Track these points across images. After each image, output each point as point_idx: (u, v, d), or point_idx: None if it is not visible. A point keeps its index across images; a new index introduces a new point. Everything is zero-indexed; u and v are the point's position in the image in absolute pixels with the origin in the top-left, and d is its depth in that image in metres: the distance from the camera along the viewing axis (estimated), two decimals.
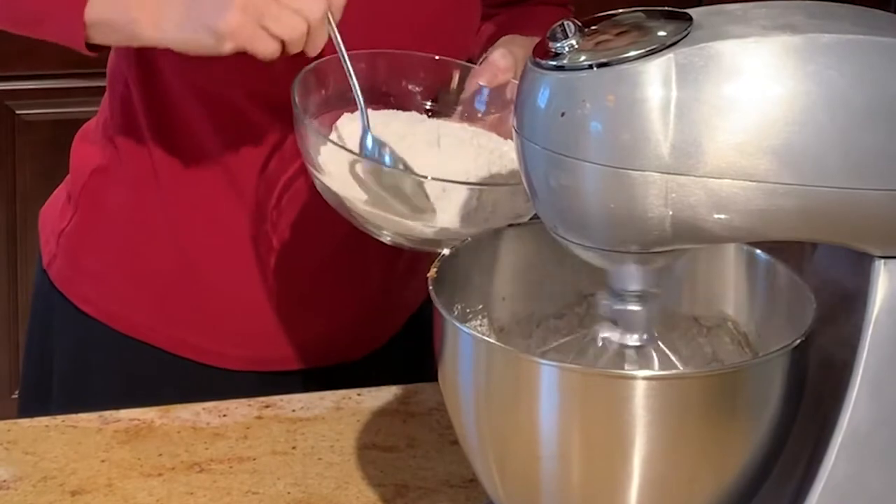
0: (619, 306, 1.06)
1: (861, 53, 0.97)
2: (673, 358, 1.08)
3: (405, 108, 1.34)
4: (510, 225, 1.17)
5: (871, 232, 1.01)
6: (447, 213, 1.21)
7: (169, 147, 1.42)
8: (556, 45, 0.99)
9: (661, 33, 0.97)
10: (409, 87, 1.35)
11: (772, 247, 1.07)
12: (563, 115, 0.97)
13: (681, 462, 1.01)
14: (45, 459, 1.30)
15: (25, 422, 1.35)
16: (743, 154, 0.95)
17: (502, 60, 1.32)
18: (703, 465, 1.02)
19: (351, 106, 1.29)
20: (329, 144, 1.24)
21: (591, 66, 0.97)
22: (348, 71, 1.25)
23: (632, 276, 1.04)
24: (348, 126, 1.29)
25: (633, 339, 1.07)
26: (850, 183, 0.97)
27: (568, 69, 0.97)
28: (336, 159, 1.23)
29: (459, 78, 1.36)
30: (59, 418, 1.35)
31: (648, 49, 0.96)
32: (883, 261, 1.02)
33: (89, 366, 1.48)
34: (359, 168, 1.22)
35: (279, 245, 1.43)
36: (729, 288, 1.15)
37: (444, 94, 1.36)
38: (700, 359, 1.16)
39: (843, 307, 1.06)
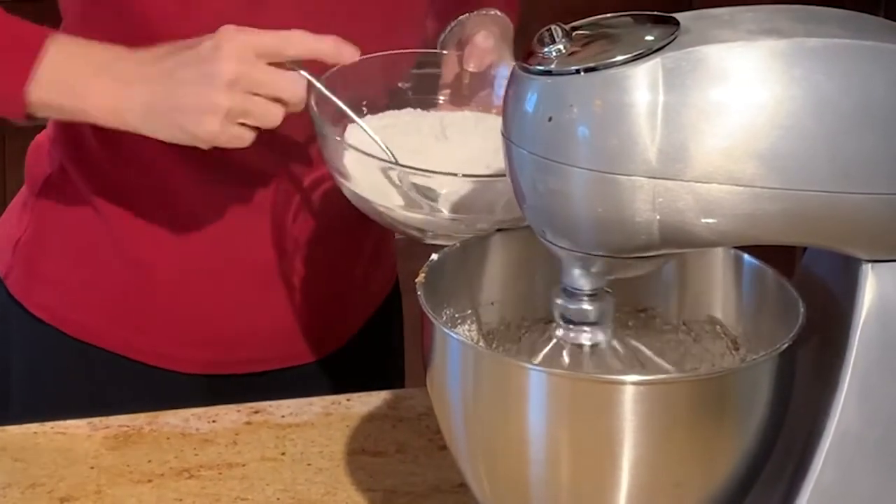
0: (572, 305, 1.05)
1: (848, 57, 0.98)
2: (621, 351, 1.08)
3: (400, 107, 1.34)
4: (498, 230, 1.17)
5: (858, 236, 1.01)
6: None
7: (116, 156, 1.39)
8: (543, 50, 0.99)
9: (649, 38, 0.97)
10: (401, 84, 1.35)
11: (759, 251, 1.07)
12: (550, 119, 0.97)
13: (669, 466, 1.01)
14: (34, 466, 1.29)
15: (14, 428, 1.35)
16: (730, 158, 0.95)
17: (485, 42, 1.32)
18: (692, 470, 1.02)
19: (346, 119, 1.29)
20: (354, 152, 1.23)
21: (578, 71, 0.97)
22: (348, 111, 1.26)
23: (583, 276, 1.04)
24: (357, 135, 1.29)
25: (586, 338, 1.07)
26: (837, 187, 0.97)
27: (555, 74, 0.98)
28: (363, 167, 1.23)
29: (444, 66, 1.36)
30: (48, 425, 1.35)
31: (636, 54, 0.96)
32: (870, 264, 1.03)
33: (47, 373, 1.47)
34: (392, 174, 1.22)
35: (231, 249, 1.43)
36: (716, 292, 1.15)
37: (434, 85, 1.36)
38: (688, 363, 1.16)
39: (830, 311, 1.06)
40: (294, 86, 1.22)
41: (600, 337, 1.07)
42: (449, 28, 1.42)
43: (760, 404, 1.01)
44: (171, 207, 1.41)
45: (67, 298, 1.46)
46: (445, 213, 1.21)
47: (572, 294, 1.05)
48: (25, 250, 1.47)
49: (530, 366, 1.02)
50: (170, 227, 1.42)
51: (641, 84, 0.95)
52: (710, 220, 0.97)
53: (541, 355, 1.08)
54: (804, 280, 1.10)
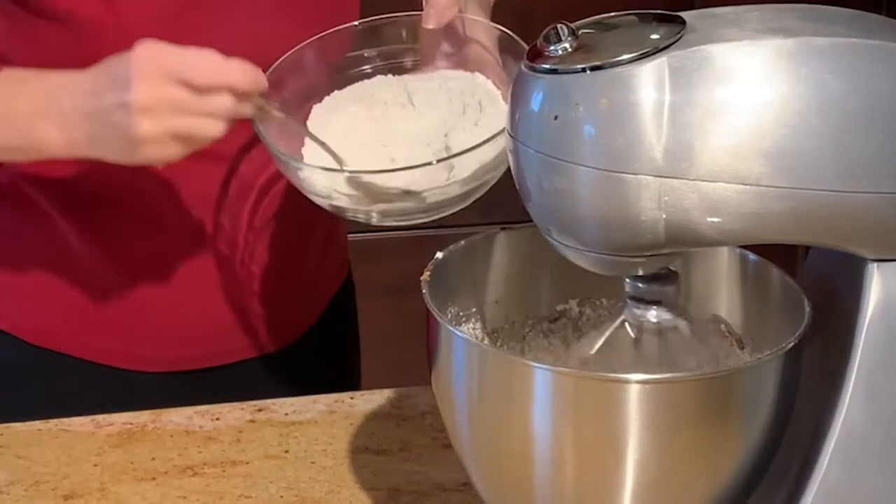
0: (641, 285, 1.06)
1: (854, 56, 0.97)
2: (694, 334, 1.08)
3: (367, 77, 1.34)
4: (502, 228, 1.17)
5: (863, 235, 1.01)
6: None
7: (63, 161, 1.36)
8: (549, 49, 0.99)
9: (654, 36, 0.97)
10: (365, 54, 1.35)
11: (768, 250, 1.07)
12: (556, 118, 0.97)
13: (674, 465, 1.01)
14: (38, 464, 1.29)
15: (18, 426, 1.35)
16: (736, 157, 0.95)
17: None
18: (696, 469, 1.02)
19: (313, 101, 1.30)
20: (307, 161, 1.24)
21: (584, 70, 0.97)
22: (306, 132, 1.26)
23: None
24: (316, 119, 1.29)
25: (653, 317, 1.07)
26: (843, 186, 0.97)
27: (561, 72, 0.97)
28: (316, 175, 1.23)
29: (408, 30, 1.35)
30: (52, 422, 1.35)
31: (641, 52, 0.96)
32: (876, 264, 1.02)
33: (3, 378, 1.47)
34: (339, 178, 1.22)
35: (182, 242, 1.42)
36: (722, 291, 1.15)
37: (399, 50, 1.36)
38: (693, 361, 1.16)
39: (836, 310, 1.06)
40: (218, 101, 1.19)
41: (666, 316, 1.07)
42: None
43: (765, 403, 1.01)
44: (119, 208, 1.40)
45: (21, 304, 1.45)
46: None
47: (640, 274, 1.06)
48: None
49: (535, 364, 1.02)
50: (119, 228, 1.41)
51: (647, 83, 0.95)
52: (716, 219, 0.97)
53: (607, 333, 1.09)
54: (809, 279, 1.10)
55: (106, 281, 1.43)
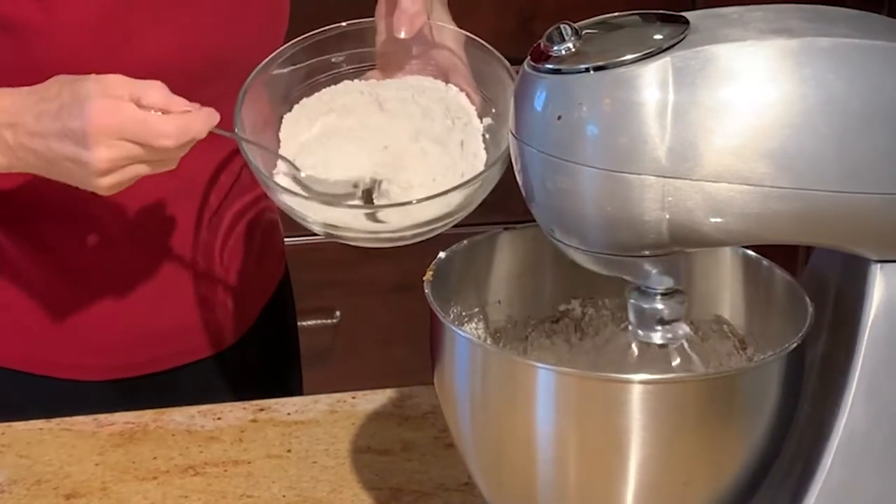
0: (644, 304, 1.05)
1: (857, 57, 0.97)
2: (695, 358, 1.08)
3: (335, 82, 1.33)
4: (505, 228, 1.17)
5: (867, 235, 1.01)
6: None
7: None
8: (552, 49, 0.99)
9: (658, 37, 0.97)
10: (333, 59, 1.34)
11: (768, 250, 1.07)
12: (559, 118, 0.97)
13: (677, 465, 1.01)
14: (40, 463, 1.29)
15: (20, 425, 1.35)
16: (739, 158, 0.95)
17: (413, 6, 1.29)
18: (700, 469, 1.02)
19: (284, 109, 1.30)
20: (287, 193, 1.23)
21: (587, 70, 0.97)
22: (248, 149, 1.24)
23: (658, 274, 1.04)
24: (294, 130, 1.28)
25: (657, 337, 1.07)
26: (847, 187, 0.97)
27: (565, 72, 0.97)
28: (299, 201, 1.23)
29: (377, 35, 1.34)
30: (54, 421, 1.35)
31: (645, 52, 0.96)
32: (879, 264, 1.03)
33: None
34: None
35: (121, 250, 1.42)
36: (725, 291, 1.15)
37: (366, 54, 1.35)
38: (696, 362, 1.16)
39: (839, 310, 1.06)
40: (175, 137, 1.18)
41: (669, 336, 1.06)
42: None
43: (768, 404, 1.01)
44: (58, 218, 1.39)
45: None
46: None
47: (645, 293, 1.05)
48: None
49: (538, 364, 1.02)
50: (58, 238, 1.40)
51: (651, 83, 0.95)
52: (719, 220, 0.97)
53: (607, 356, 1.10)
54: (812, 280, 1.10)
55: (46, 291, 1.42)
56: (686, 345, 1.08)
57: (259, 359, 1.56)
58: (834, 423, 1.03)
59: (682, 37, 0.97)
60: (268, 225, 1.54)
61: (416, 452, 1.32)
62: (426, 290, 1.08)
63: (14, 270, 1.42)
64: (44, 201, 1.38)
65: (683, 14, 1.00)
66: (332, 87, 1.32)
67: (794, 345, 1.01)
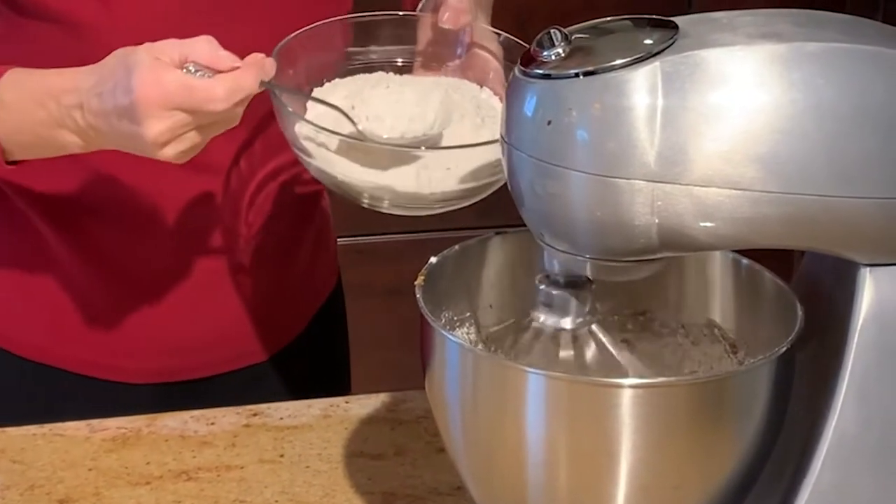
0: (554, 290, 1.06)
1: (847, 61, 0.98)
2: (605, 341, 1.09)
3: (369, 70, 1.33)
4: (496, 233, 1.17)
5: (856, 240, 1.01)
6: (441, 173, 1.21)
7: (55, 170, 1.36)
8: (542, 54, 0.99)
9: (648, 41, 0.97)
10: (373, 47, 1.35)
11: (762, 254, 1.07)
12: (549, 123, 0.97)
13: (667, 469, 1.01)
14: (33, 468, 1.29)
15: (13, 430, 1.35)
16: (729, 162, 0.96)
17: (461, 3, 1.30)
18: (690, 473, 1.02)
19: (313, 84, 1.28)
20: (307, 124, 1.22)
21: (577, 75, 0.97)
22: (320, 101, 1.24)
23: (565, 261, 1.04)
24: (315, 108, 1.27)
25: (566, 323, 1.07)
26: (837, 191, 0.97)
27: (554, 77, 0.98)
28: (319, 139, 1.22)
29: (414, 29, 1.35)
30: (47, 427, 1.35)
31: (635, 57, 0.96)
32: (868, 268, 1.03)
33: None
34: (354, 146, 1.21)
35: (172, 254, 1.42)
36: (715, 295, 1.15)
37: (406, 48, 1.36)
38: (686, 366, 1.16)
39: (829, 314, 1.06)
40: (225, 100, 1.16)
41: (579, 322, 1.07)
42: None
43: (759, 407, 1.01)
44: (109, 222, 1.39)
45: (8, 317, 1.44)
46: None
47: (553, 281, 1.06)
48: None
49: (529, 369, 1.02)
50: (109, 241, 1.41)
51: (640, 88, 0.96)
52: (709, 224, 0.97)
53: (521, 342, 1.10)
54: (802, 283, 1.10)
55: (96, 294, 1.42)
56: (595, 329, 1.09)
57: (308, 365, 1.56)
58: (824, 427, 1.03)
59: (671, 41, 0.97)
60: (319, 231, 1.53)
61: (409, 457, 1.32)
62: (417, 295, 1.08)
63: (65, 272, 1.42)
64: (90, 199, 1.38)
65: (673, 19, 1.00)
66: (366, 74, 1.32)
67: (784, 348, 1.01)
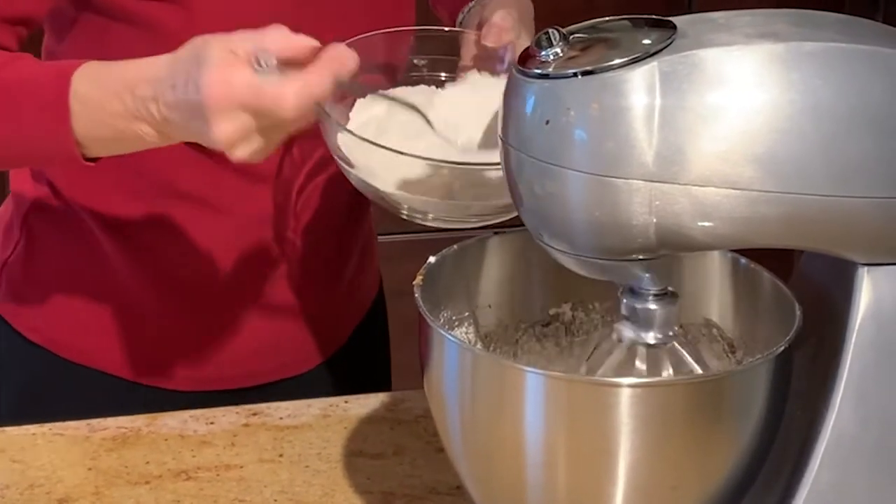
0: (637, 304, 1.06)
1: (845, 61, 0.98)
2: (687, 358, 1.08)
3: (414, 83, 1.33)
4: (495, 232, 1.17)
5: (854, 239, 1.01)
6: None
7: (105, 175, 1.36)
8: (541, 53, 0.99)
9: (646, 41, 0.97)
10: (416, 61, 1.35)
11: (762, 253, 1.07)
12: (547, 122, 0.98)
13: (665, 469, 1.02)
14: (33, 467, 1.30)
15: (13, 429, 1.35)
16: (727, 162, 0.96)
17: (504, 21, 1.31)
18: (688, 472, 1.02)
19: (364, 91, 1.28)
20: (348, 134, 1.21)
21: (575, 75, 0.97)
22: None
23: (650, 276, 1.04)
24: (364, 112, 1.27)
25: (648, 338, 1.07)
26: (834, 191, 0.98)
27: (552, 77, 0.98)
28: (359, 149, 1.21)
29: (460, 45, 1.35)
30: (47, 426, 1.35)
31: (632, 57, 0.96)
32: (866, 268, 1.03)
33: (36, 392, 1.46)
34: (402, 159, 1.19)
35: (223, 264, 1.42)
36: (713, 295, 1.15)
37: (446, 62, 1.36)
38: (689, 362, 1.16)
39: (827, 314, 1.06)
40: (293, 108, 1.12)
41: (660, 336, 1.07)
42: (468, 7, 1.42)
43: (757, 407, 1.02)
44: (163, 232, 1.40)
45: (59, 320, 1.45)
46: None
47: (638, 293, 1.05)
48: (14, 272, 1.46)
49: (527, 368, 1.02)
50: (162, 250, 1.41)
51: (638, 88, 0.96)
52: (707, 224, 0.97)
53: (596, 353, 1.10)
54: (800, 283, 1.10)
55: (148, 302, 1.43)
56: (678, 345, 1.09)
57: (348, 376, 1.55)
58: (822, 426, 1.04)
59: (669, 41, 0.97)
60: (365, 240, 1.53)
61: (408, 456, 1.32)
62: (416, 295, 1.08)
63: (116, 277, 1.42)
64: (147, 209, 1.39)
65: (671, 19, 1.00)
66: (409, 87, 1.31)
67: (782, 348, 1.02)
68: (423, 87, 1.32)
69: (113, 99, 1.19)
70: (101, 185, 1.38)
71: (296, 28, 1.22)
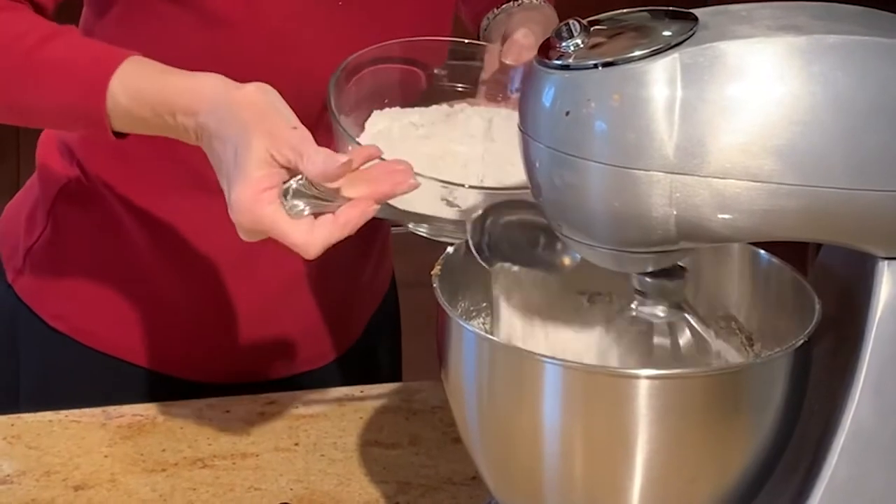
0: (648, 279, 1.06)
1: (866, 54, 0.98)
2: (701, 331, 1.08)
3: (436, 94, 1.32)
4: None
5: (874, 233, 1.01)
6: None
7: (137, 164, 1.38)
8: (561, 44, 0.99)
9: (667, 33, 0.97)
10: (437, 71, 1.35)
11: (778, 246, 1.07)
12: (568, 114, 0.97)
13: (683, 461, 1.01)
14: (49, 454, 1.30)
15: (29, 416, 1.35)
16: (747, 154, 0.96)
17: (525, 40, 1.32)
18: (706, 465, 1.02)
19: (380, 104, 1.28)
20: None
21: (596, 66, 0.97)
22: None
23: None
24: (379, 123, 1.27)
25: (660, 311, 1.07)
26: (854, 184, 0.97)
27: (573, 68, 0.98)
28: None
29: (481, 57, 1.35)
30: (63, 413, 1.35)
31: (653, 49, 0.96)
32: (886, 262, 1.03)
33: (58, 379, 1.46)
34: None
35: (251, 261, 1.41)
36: (733, 288, 1.15)
37: (467, 73, 1.36)
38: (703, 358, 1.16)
39: (846, 307, 1.06)
40: (305, 252, 1.10)
41: (672, 310, 1.07)
42: (494, 14, 1.42)
43: (775, 400, 1.01)
44: (194, 222, 1.40)
45: (83, 308, 1.44)
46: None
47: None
48: (39, 258, 1.46)
49: (545, 358, 1.02)
50: (192, 244, 1.41)
51: (659, 79, 0.96)
52: (727, 216, 0.97)
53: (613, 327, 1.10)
54: (820, 276, 1.10)
55: (171, 292, 1.43)
56: (692, 320, 1.09)
57: (362, 369, 1.55)
58: (840, 420, 1.03)
59: (690, 33, 0.97)
60: (384, 237, 1.54)
61: (424, 446, 1.32)
62: (434, 285, 1.08)
63: (146, 270, 1.42)
64: (177, 201, 1.39)
65: (692, 11, 1.00)
66: (423, 108, 1.30)
67: (802, 341, 1.01)
68: (445, 105, 1.31)
69: (152, 115, 1.18)
70: (135, 172, 1.38)
71: (340, 26, 1.22)
